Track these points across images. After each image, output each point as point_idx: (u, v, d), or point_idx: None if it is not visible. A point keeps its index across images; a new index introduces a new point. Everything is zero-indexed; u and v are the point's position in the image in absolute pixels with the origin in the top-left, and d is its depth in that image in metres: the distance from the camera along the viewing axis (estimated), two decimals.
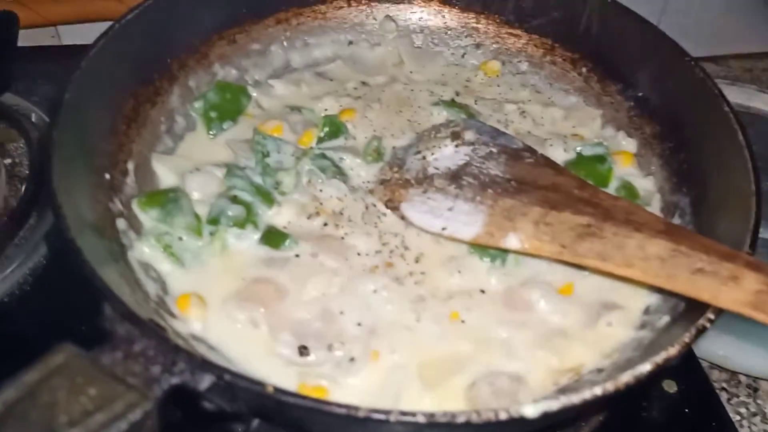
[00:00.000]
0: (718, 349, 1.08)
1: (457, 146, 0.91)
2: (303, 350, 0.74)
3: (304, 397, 0.57)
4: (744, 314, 0.64)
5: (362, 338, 0.76)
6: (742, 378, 1.12)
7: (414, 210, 0.86)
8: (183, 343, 0.70)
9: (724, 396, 1.10)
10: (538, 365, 0.76)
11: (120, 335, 0.60)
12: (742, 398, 1.10)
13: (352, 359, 0.74)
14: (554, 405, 0.57)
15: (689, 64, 0.92)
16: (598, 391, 0.59)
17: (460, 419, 0.55)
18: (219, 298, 0.78)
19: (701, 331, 0.65)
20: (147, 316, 0.65)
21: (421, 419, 0.55)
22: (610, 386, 0.60)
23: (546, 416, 0.57)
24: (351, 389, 0.72)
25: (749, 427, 1.07)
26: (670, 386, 0.97)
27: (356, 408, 0.54)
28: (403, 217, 0.86)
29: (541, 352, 0.77)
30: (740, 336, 1.05)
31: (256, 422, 0.72)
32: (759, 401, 1.10)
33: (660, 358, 0.62)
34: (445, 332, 0.77)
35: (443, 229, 0.83)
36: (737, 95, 1.35)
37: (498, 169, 0.88)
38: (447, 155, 0.91)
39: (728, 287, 0.65)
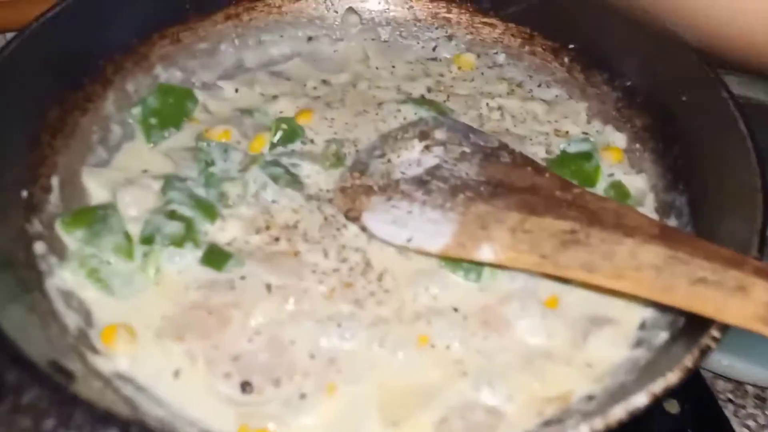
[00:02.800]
0: (722, 358, 0.99)
1: (426, 147, 0.82)
2: (246, 387, 0.64)
3: None
4: (754, 330, 0.54)
5: (316, 371, 0.66)
6: (749, 388, 1.02)
7: (376, 220, 0.76)
8: (101, 385, 0.60)
9: (730, 408, 1.00)
10: (519, 394, 0.66)
11: (9, 383, 0.50)
12: (749, 410, 1.01)
13: (303, 395, 0.64)
14: None
15: (681, 48, 0.83)
16: (584, 429, 0.49)
17: None
18: (151, 330, 0.68)
19: (705, 352, 0.55)
20: (50, 357, 0.55)
21: None
22: (599, 424, 0.50)
23: None
24: (301, 431, 0.62)
25: None
26: (671, 406, 0.87)
27: None
28: (364, 229, 0.76)
29: (523, 378, 0.66)
30: (745, 344, 0.96)
31: None
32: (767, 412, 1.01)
33: (658, 387, 0.52)
34: (412, 359, 0.68)
35: (408, 240, 0.73)
36: (733, 85, 1.26)
37: (471, 171, 0.78)
38: (414, 157, 0.81)
39: (735, 299, 0.56)
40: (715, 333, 0.56)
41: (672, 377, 0.53)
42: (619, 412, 0.51)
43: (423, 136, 0.83)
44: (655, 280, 0.60)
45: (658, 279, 0.60)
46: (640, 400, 0.52)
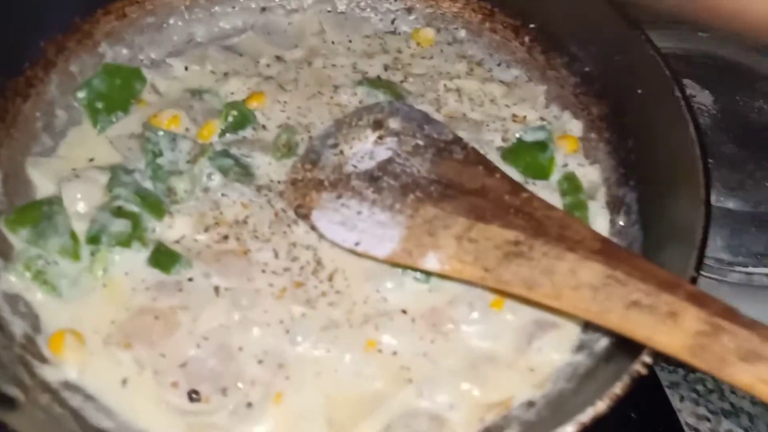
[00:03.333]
0: None
1: (380, 138, 0.81)
2: (194, 395, 0.65)
3: None
4: (682, 360, 0.56)
5: (263, 378, 0.67)
6: None
7: (326, 219, 0.75)
8: (48, 398, 0.61)
9: (680, 372, 1.02)
10: (462, 400, 0.68)
11: None
12: (699, 374, 1.03)
13: (249, 404, 0.65)
14: None
15: (639, 39, 0.82)
16: None
17: None
18: (99, 335, 0.68)
19: (635, 379, 0.57)
20: None
21: None
22: None
23: None
24: None
25: (706, 405, 1.01)
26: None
27: None
28: (314, 228, 0.76)
29: (467, 384, 0.68)
30: None
31: None
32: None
33: (586, 417, 0.54)
34: (359, 365, 0.69)
35: (357, 244, 0.73)
36: (704, 43, 1.24)
37: (423, 167, 0.78)
38: (367, 149, 0.80)
39: (666, 326, 0.57)
40: (646, 358, 0.58)
41: (601, 405, 0.55)
42: None
43: (377, 125, 0.82)
44: (591, 302, 0.61)
45: (594, 301, 0.61)
46: (568, 430, 0.53)
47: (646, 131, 0.81)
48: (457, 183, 0.75)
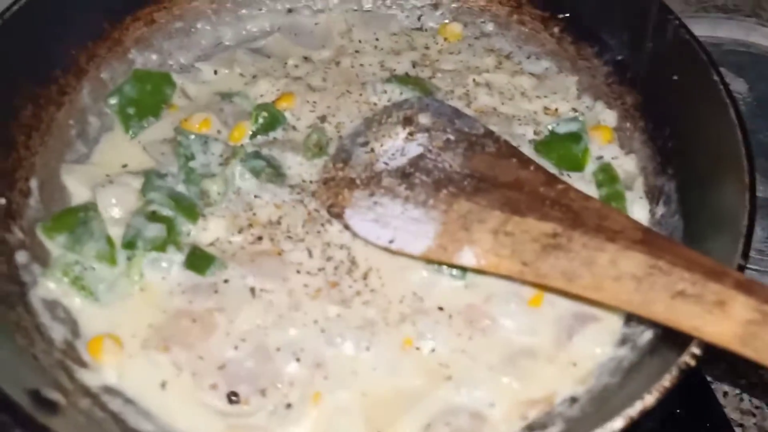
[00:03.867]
0: None
1: (410, 134, 0.80)
2: (233, 397, 0.65)
3: None
4: (732, 350, 0.54)
5: (301, 378, 0.67)
6: None
7: (359, 218, 0.75)
8: (89, 402, 0.61)
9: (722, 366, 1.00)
10: (503, 396, 0.67)
11: None
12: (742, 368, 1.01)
13: (289, 405, 0.65)
14: None
15: (673, 24, 0.80)
16: None
17: None
18: (137, 339, 0.69)
19: (684, 371, 0.55)
20: (33, 387, 0.56)
21: None
22: None
23: None
24: None
25: (750, 400, 0.98)
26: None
27: None
28: (347, 226, 0.75)
29: (507, 379, 0.67)
30: None
31: None
32: (762, 371, 1.01)
33: (635, 411, 0.53)
34: (397, 363, 0.68)
35: (390, 242, 0.72)
36: (735, 30, 1.22)
37: (455, 162, 0.77)
38: (398, 145, 0.80)
39: (714, 316, 0.55)
40: (695, 350, 0.56)
41: (649, 399, 0.53)
42: None
43: (407, 121, 0.81)
44: (634, 292, 0.59)
45: (638, 292, 0.59)
46: (617, 424, 0.52)
47: (684, 118, 0.79)
48: (491, 177, 0.74)
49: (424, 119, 0.81)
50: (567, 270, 0.64)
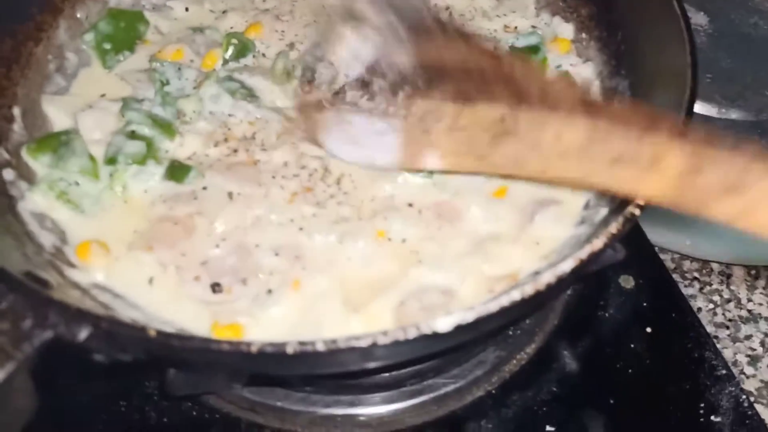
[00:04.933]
0: (685, 238, 1.05)
1: (353, 28, 0.80)
2: (216, 287, 0.69)
3: (187, 338, 0.51)
4: (665, 205, 0.57)
5: (281, 268, 0.70)
6: (714, 266, 1.09)
7: (334, 140, 0.78)
8: (79, 294, 0.65)
9: (696, 285, 1.06)
10: (470, 275, 0.70)
11: None
12: (714, 286, 1.07)
13: (269, 291, 0.69)
14: (468, 316, 0.52)
15: None
16: (516, 295, 0.54)
17: (362, 343, 0.50)
18: (123, 243, 0.72)
19: (629, 220, 0.59)
20: (25, 269, 0.59)
21: (320, 347, 0.50)
22: (529, 289, 0.54)
23: (460, 329, 0.52)
24: (269, 322, 0.67)
25: (723, 314, 1.04)
26: (626, 281, 0.93)
27: (241, 344, 0.49)
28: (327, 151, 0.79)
29: (473, 261, 0.71)
30: (708, 224, 1.01)
31: (172, 372, 0.67)
32: (732, 287, 1.07)
33: (584, 253, 0.57)
34: (371, 252, 0.72)
35: (368, 161, 0.76)
36: None
37: (405, 51, 0.76)
38: (352, 49, 0.81)
39: (648, 174, 0.58)
40: (640, 202, 0.60)
41: (597, 243, 0.57)
42: (547, 277, 0.55)
43: (349, 15, 0.79)
44: (578, 168, 0.62)
45: (580, 164, 0.62)
46: (568, 265, 0.56)
47: (635, 20, 0.83)
48: (440, 65, 0.74)
49: (361, 3, 0.79)
50: (517, 156, 0.66)
